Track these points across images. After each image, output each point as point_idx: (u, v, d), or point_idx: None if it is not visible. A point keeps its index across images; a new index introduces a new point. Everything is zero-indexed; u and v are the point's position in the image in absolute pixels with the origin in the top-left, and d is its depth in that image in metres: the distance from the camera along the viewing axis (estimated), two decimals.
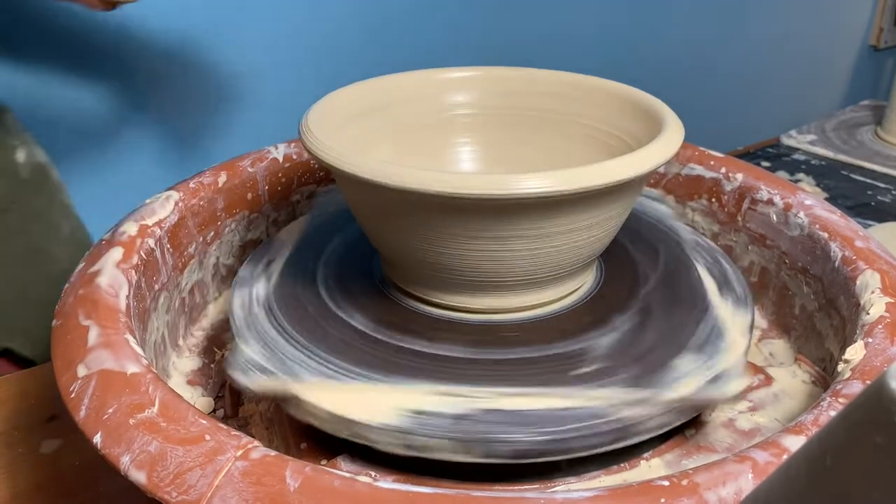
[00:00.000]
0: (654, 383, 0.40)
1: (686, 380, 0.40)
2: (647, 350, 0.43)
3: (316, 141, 0.44)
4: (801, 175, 1.02)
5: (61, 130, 0.93)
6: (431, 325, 0.46)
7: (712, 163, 0.60)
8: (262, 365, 0.42)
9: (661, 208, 0.59)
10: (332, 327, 0.45)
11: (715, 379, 0.41)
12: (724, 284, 0.49)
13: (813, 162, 1.06)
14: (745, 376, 0.41)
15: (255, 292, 0.48)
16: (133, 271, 0.47)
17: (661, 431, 0.40)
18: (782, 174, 1.00)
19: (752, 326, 0.46)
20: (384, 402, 0.39)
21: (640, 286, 0.49)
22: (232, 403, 0.49)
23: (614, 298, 0.48)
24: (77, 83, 0.94)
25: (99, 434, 0.35)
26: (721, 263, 0.52)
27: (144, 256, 0.49)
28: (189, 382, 0.51)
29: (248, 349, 0.43)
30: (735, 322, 0.46)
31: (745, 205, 0.58)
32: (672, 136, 0.44)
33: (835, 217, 0.52)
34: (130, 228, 0.50)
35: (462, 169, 0.57)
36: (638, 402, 0.39)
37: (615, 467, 0.41)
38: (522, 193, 0.38)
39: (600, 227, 0.44)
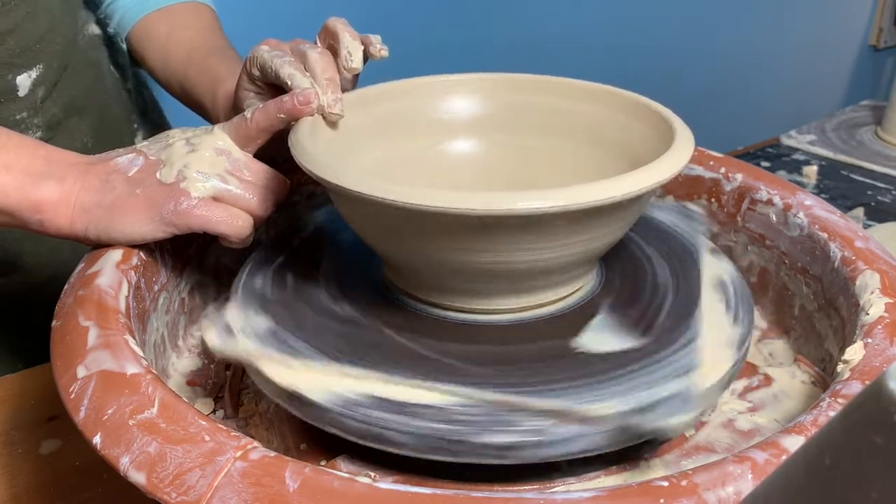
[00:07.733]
0: None
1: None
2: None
3: (310, 159, 0.44)
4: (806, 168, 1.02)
5: None
6: (430, 324, 0.46)
7: (712, 163, 0.60)
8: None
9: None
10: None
11: None
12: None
13: (812, 162, 1.06)
14: None
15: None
16: (133, 272, 0.47)
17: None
18: (782, 174, 1.00)
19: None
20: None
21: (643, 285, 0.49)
22: (232, 404, 0.49)
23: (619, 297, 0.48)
24: None
25: (98, 435, 0.35)
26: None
27: (144, 257, 0.49)
28: (189, 383, 0.51)
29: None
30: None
31: (745, 205, 0.58)
32: (681, 150, 0.43)
33: (834, 217, 0.52)
34: None
35: (464, 176, 0.56)
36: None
37: (615, 467, 0.41)
38: (524, 211, 0.38)
39: (606, 235, 0.44)
